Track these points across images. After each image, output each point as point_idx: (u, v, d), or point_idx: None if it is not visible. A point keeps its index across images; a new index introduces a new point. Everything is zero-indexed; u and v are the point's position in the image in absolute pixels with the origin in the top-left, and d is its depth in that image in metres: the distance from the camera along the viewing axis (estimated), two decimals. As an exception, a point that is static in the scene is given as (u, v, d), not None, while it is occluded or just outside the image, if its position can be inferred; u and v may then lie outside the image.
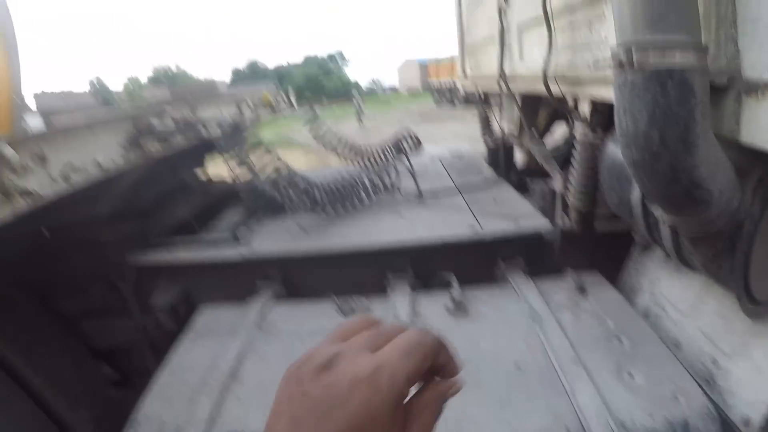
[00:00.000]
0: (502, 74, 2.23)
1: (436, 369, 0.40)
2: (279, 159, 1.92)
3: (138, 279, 1.95)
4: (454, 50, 3.36)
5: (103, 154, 1.59)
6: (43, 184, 1.36)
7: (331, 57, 63.62)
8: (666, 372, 1.10)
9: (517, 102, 2.29)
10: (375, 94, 58.97)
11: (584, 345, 1.17)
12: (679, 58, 0.74)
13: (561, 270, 1.56)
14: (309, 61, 62.38)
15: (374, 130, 18.46)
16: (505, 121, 2.68)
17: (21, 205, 1.30)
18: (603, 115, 1.51)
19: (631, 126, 0.81)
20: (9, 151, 1.26)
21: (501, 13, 2.21)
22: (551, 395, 1.05)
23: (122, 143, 1.69)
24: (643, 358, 1.14)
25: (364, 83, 64.90)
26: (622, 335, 1.20)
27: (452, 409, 1.03)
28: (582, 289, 1.42)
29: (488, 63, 2.84)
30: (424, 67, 40.88)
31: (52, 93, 6.91)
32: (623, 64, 0.78)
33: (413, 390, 0.38)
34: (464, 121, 17.81)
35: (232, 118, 2.40)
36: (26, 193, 1.31)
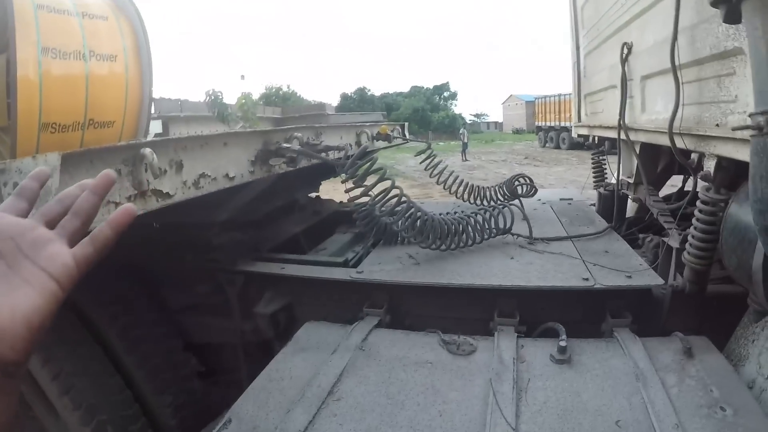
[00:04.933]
0: (622, 124, 2.24)
1: None
2: (397, 187, 1.91)
3: (245, 285, 2.04)
4: (561, 88, 3.34)
5: (233, 168, 1.69)
6: (175, 187, 1.48)
7: (438, 88, 64.46)
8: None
9: (636, 153, 2.29)
10: (479, 130, 58.58)
11: (686, 411, 1.15)
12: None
13: (668, 330, 1.52)
14: (415, 91, 63.75)
15: (479, 169, 18.42)
16: (619, 171, 2.66)
17: (153, 204, 1.39)
18: (728, 173, 1.47)
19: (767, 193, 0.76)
20: (151, 156, 1.35)
21: (624, 62, 2.24)
22: (650, 458, 1.03)
23: (251, 159, 1.79)
24: (744, 431, 1.10)
25: (467, 117, 64.86)
26: (725, 405, 1.16)
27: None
28: (689, 353, 1.38)
29: (607, 110, 2.88)
30: (530, 105, 40.10)
31: (170, 100, 7.66)
32: (763, 131, 0.74)
33: None
34: (569, 165, 17.35)
35: (353, 145, 2.50)
36: (159, 194, 1.42)
